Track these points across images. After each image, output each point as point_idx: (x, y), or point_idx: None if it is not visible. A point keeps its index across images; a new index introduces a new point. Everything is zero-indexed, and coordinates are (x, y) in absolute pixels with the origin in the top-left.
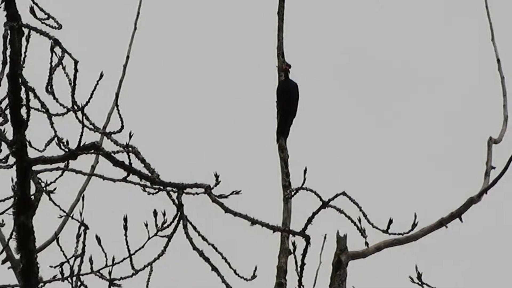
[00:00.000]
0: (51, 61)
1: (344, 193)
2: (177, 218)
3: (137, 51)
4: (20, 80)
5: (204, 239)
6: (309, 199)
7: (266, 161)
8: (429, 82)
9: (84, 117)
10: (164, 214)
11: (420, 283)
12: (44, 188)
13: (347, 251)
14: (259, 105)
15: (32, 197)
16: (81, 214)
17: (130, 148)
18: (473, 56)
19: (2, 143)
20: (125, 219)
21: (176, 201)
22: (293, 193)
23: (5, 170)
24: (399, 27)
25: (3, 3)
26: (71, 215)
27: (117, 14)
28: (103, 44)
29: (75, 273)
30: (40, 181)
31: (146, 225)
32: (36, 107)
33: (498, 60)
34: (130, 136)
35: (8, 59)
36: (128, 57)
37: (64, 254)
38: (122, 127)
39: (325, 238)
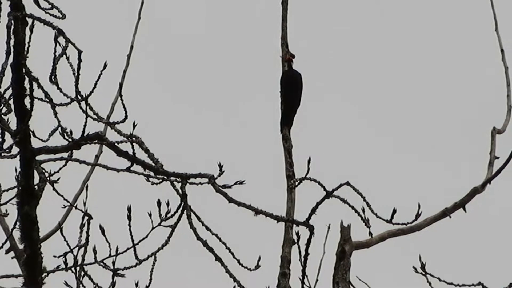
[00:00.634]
0: (55, 51)
1: (348, 183)
2: (181, 208)
3: (141, 41)
4: (24, 70)
5: (208, 229)
6: (313, 189)
7: (270, 151)
8: (432, 73)
9: (87, 107)
10: (168, 204)
11: (423, 273)
12: (48, 178)
13: (351, 241)
14: (263, 95)
15: (36, 187)
16: (84, 204)
17: (133, 138)
18: (477, 46)
19: (6, 133)
20: (129, 209)
21: (180, 191)
22: (297, 183)
23: (9, 160)
24: (400, 13)
25: None
26: (75, 205)
27: (121, 4)
28: (107, 34)
29: (79, 263)
30: (44, 171)
31: (150, 215)
32: (40, 97)
33: (502, 50)
34: (134, 126)
35: (12, 49)
36: (132, 47)
37: (67, 244)
38: (126, 117)
39: (329, 228)
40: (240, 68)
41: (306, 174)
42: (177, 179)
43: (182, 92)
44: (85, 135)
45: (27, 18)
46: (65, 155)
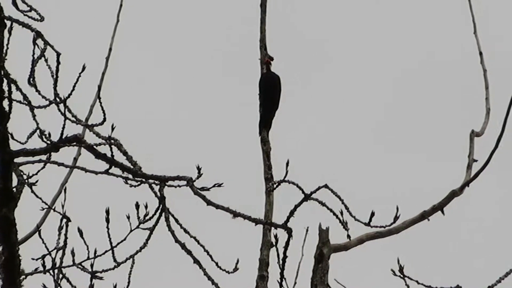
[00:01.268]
0: (34, 53)
1: (326, 186)
2: (159, 211)
3: (119, 44)
4: (2, 72)
5: (186, 231)
6: (291, 192)
7: (249, 153)
8: (409, 75)
9: (66, 110)
10: (146, 207)
11: (402, 275)
12: (26, 181)
13: (329, 244)
14: (241, 98)
15: (14, 189)
16: (63, 206)
17: (112, 141)
18: (456, 49)
19: None
20: (107, 212)
21: (158, 193)
22: (275, 185)
23: None
24: (378, 15)
25: None
26: (53, 208)
27: (99, 6)
28: (85, 36)
29: (57, 265)
30: (22, 173)
31: (128, 217)
32: (18, 99)
33: (481, 53)
34: (112, 129)
35: None
36: (110, 49)
37: (46, 247)
38: (104, 119)
39: (307, 230)
40: (219, 70)
41: (284, 177)
42: (155, 182)
43: (160, 94)
44: (63, 137)
45: (5, 20)
46: (44, 157)
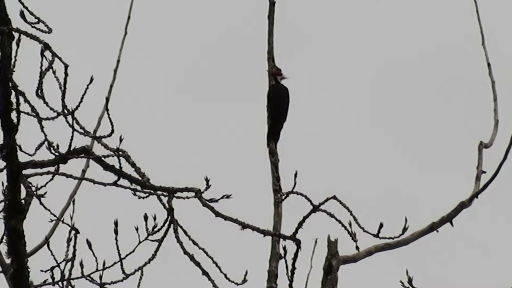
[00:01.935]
0: (41, 65)
1: (334, 197)
2: (167, 222)
3: (127, 56)
4: (10, 84)
5: (194, 243)
6: (300, 203)
7: (257, 165)
8: (417, 87)
9: (74, 121)
10: (154, 218)
11: (411, 287)
12: (35, 192)
13: (338, 256)
14: (249, 109)
15: (23, 201)
16: (71, 218)
17: (120, 152)
18: (464, 60)
19: None
20: (116, 223)
21: (167, 205)
22: (283, 197)
23: None
24: (387, 27)
25: None
26: (62, 219)
27: (107, 18)
28: (93, 48)
29: (66, 277)
30: (30, 185)
31: (137, 229)
32: (26, 111)
33: (489, 65)
34: (121, 140)
35: None
36: (118, 61)
37: (54, 258)
38: (113, 131)
39: (316, 242)
40: (227, 82)
41: (293, 188)
42: (164, 193)
43: (169, 105)
44: (71, 149)
45: (13, 32)
46: (52, 169)
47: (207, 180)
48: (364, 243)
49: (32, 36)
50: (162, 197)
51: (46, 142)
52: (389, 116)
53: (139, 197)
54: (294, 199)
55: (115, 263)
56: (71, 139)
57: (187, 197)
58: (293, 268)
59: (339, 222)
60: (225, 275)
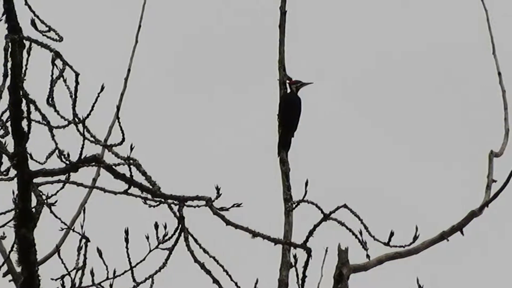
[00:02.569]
0: (52, 74)
1: (345, 206)
2: (178, 231)
3: (138, 64)
4: (21, 92)
5: (205, 251)
6: (310, 212)
7: (268, 174)
8: (428, 95)
9: (85, 130)
10: (165, 227)
11: None
12: (45, 201)
13: (348, 264)
14: (260, 118)
15: (33, 209)
16: (82, 226)
17: (131, 161)
18: (474, 69)
19: (3, 155)
20: (126, 232)
21: (177, 213)
22: (294, 206)
23: (6, 183)
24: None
25: (4, 16)
26: (72, 228)
27: (118, 27)
28: (104, 56)
29: (76, 285)
30: (41, 193)
31: (147, 237)
32: (37, 119)
33: (499, 73)
34: (131, 149)
35: (9, 72)
36: (129, 70)
37: (65, 267)
38: (123, 139)
39: (326, 251)
40: (238, 91)
41: (304, 197)
42: (175, 202)
43: (179, 114)
44: (82, 157)
45: (24, 41)
46: (63, 177)
47: (217, 189)
48: (374, 251)
49: (43, 45)
50: (173, 205)
51: (57, 151)
52: (403, 127)
53: (150, 206)
54: (305, 208)
55: (125, 271)
56: (82, 148)
57: (198, 206)
58: (304, 276)
59: (350, 230)
60: (236, 284)
